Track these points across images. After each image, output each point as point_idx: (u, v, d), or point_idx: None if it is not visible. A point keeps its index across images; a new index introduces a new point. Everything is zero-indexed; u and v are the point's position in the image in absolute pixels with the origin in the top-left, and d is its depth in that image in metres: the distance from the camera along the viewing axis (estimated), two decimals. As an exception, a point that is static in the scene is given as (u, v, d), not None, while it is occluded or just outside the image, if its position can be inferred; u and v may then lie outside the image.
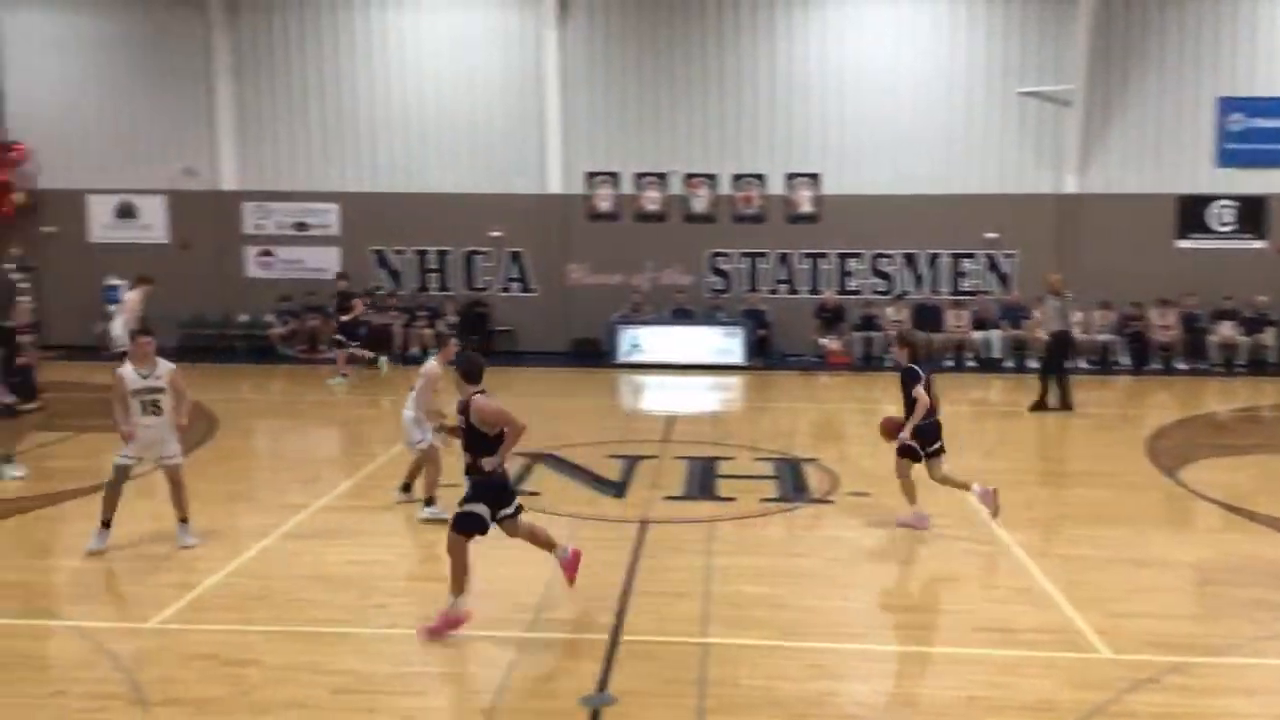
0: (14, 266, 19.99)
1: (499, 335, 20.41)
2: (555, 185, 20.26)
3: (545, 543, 7.37)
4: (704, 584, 7.85)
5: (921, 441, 8.97)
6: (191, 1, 20.02)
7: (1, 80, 20.25)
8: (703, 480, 11.04)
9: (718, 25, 19.92)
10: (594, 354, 19.88)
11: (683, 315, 19.90)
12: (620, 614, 7.20)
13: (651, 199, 20.43)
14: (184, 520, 8.79)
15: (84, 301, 19.91)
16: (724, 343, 19.23)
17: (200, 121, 20.34)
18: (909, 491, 9.18)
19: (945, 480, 9.16)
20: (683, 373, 18.69)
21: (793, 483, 10.91)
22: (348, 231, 20.54)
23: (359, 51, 20.20)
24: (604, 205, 20.48)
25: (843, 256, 20.23)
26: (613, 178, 20.36)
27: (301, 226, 20.59)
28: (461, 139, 20.24)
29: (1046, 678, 6.20)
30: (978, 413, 15.83)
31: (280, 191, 20.53)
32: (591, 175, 20.37)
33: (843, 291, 20.12)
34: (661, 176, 20.30)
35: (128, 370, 8.52)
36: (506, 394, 16.67)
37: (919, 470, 9.15)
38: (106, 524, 8.55)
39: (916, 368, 9.06)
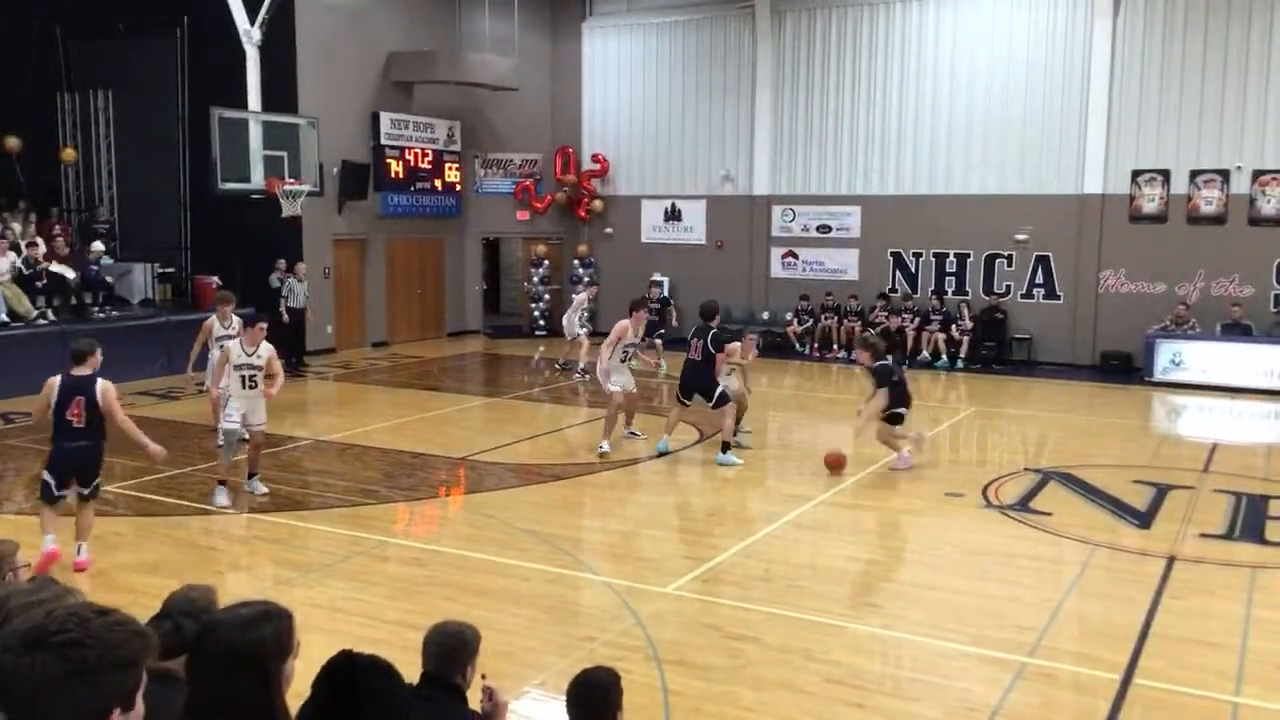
0: (579, 262, 23.00)
1: (1015, 343, 19.49)
2: (1094, 185, 18.84)
3: None
4: (1241, 636, 6.90)
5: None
6: (743, 17, 21.47)
7: (580, 97, 23.26)
8: (1250, 519, 9.68)
9: (1304, 0, 17.23)
10: (1124, 369, 18.23)
11: (1237, 331, 17.53)
12: (1135, 655, 6.58)
13: (1208, 199, 18.23)
14: (253, 475, 10.09)
15: (633, 294, 22.22)
16: (1288, 365, 16.66)
17: (740, 130, 21.77)
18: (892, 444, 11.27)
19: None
20: (1233, 396, 16.49)
21: (1370, 536, 9.18)
22: (867, 234, 20.82)
23: (894, 51, 20.33)
24: (1150, 206, 18.66)
25: None
26: (1163, 176, 18.48)
27: (824, 229, 21.25)
28: (992, 139, 19.58)
29: None
30: None
31: (806, 195, 21.35)
32: (1137, 174, 18.66)
33: None
34: (1223, 174, 18.03)
35: (235, 346, 9.92)
36: (1021, 406, 15.96)
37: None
38: (224, 483, 9.87)
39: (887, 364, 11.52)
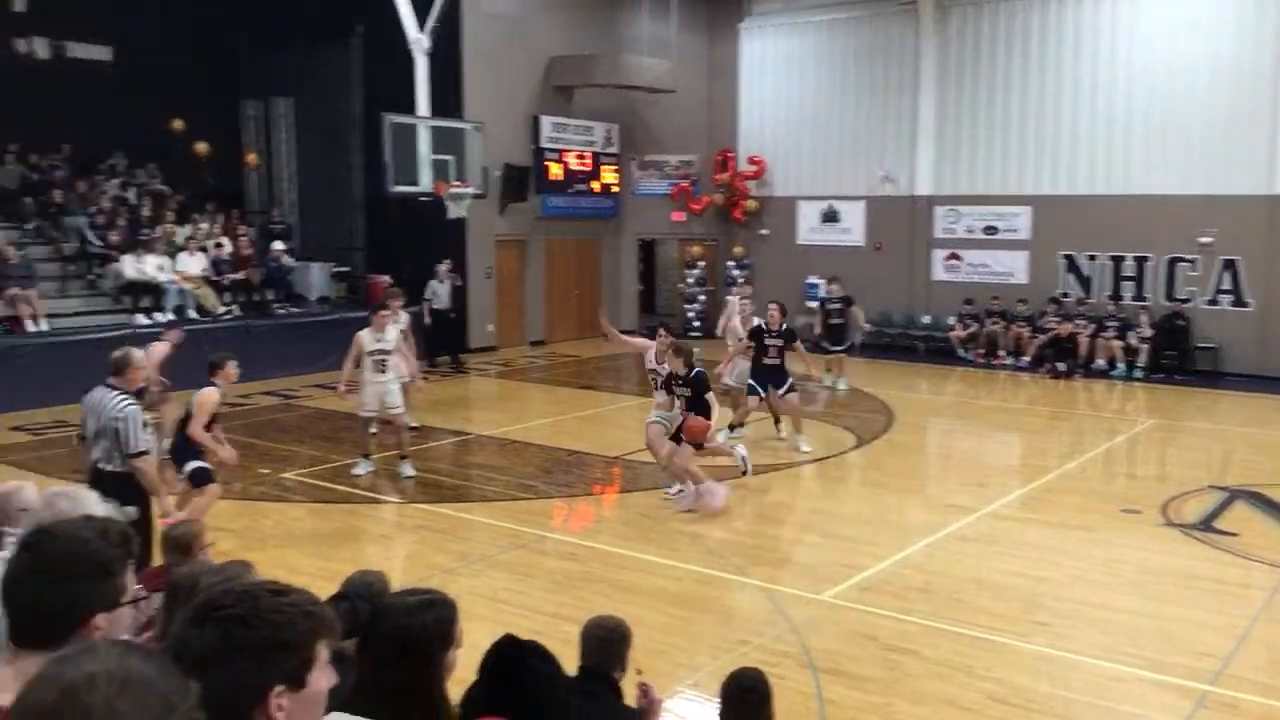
0: (734, 264, 22.92)
1: (1199, 353, 18.33)
2: (1289, 184, 17.58)
3: None
4: None
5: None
6: (906, 14, 20.97)
7: (736, 98, 23.17)
8: None
9: None
10: (1324, 382, 16.94)
11: None
12: (1335, 691, 6.08)
13: None
14: (403, 458, 10.73)
15: (788, 297, 21.99)
16: None
17: (902, 130, 21.25)
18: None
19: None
20: None
21: None
22: (1038, 235, 19.99)
23: (1066, 46, 19.45)
24: (1353, 207, 17.27)
25: None
26: (1365, 175, 17.08)
27: (991, 230, 20.52)
28: (1172, 135, 18.49)
29: None
30: None
31: (972, 195, 20.67)
32: (1339, 172, 17.29)
33: None
34: None
35: (366, 334, 10.52)
36: (1206, 420, 15.03)
37: None
38: (366, 456, 10.85)
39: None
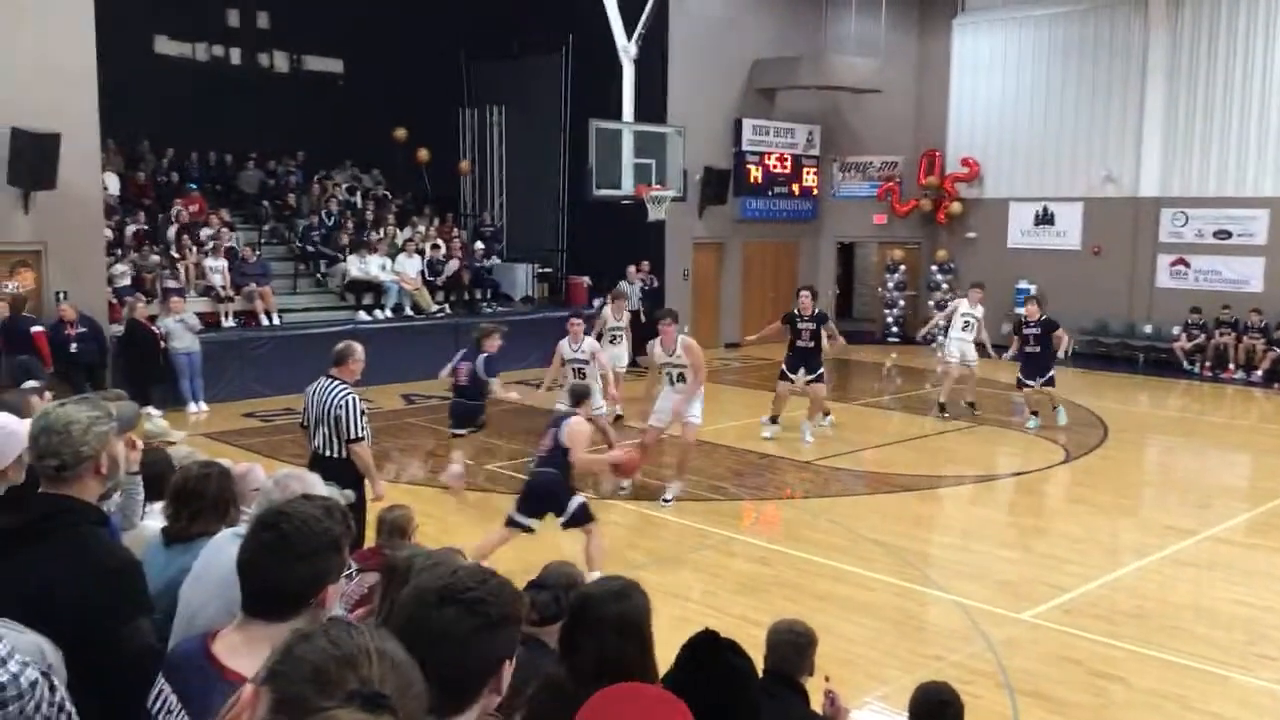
0: (938, 268, 22.24)
1: None
2: None
3: None
4: None
5: None
6: (1134, 6, 19.78)
7: (946, 97, 22.46)
8: None
9: None
10: None
11: None
12: None
13: None
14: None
15: (996, 302, 21.14)
16: None
17: (1126, 127, 20.05)
18: None
19: None
20: None
21: None
22: (1276, 241, 18.43)
23: (1313, 38, 17.89)
24: None
25: None
26: None
27: (1223, 235, 19.09)
28: None
29: None
30: None
31: (1203, 197, 19.28)
32: None
33: None
34: None
35: (564, 344, 11.04)
36: None
37: None
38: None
39: None
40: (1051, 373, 13.43)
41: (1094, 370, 18.77)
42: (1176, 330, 19.04)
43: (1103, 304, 20.02)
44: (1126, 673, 6.30)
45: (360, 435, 6.98)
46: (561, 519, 7.52)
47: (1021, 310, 14.82)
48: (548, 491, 7.49)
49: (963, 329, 14.05)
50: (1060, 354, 13.63)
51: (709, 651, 2.83)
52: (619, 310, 13.35)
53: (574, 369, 11.04)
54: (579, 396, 8.22)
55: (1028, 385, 13.59)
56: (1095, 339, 20.13)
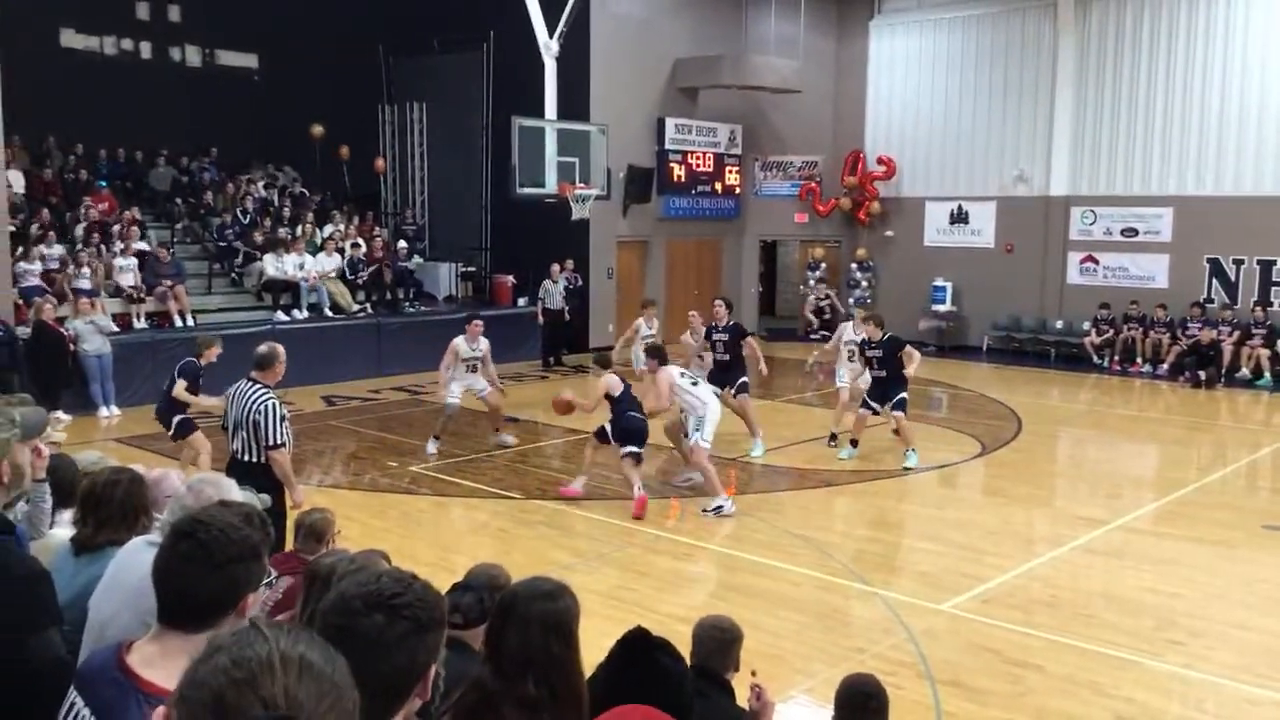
0: (857, 266, 22.60)
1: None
2: None
3: None
4: None
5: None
6: (1044, 10, 20.30)
7: (864, 97, 22.81)
8: None
9: None
10: None
11: None
12: None
13: None
14: (496, 430, 12.31)
15: (911, 300, 21.59)
16: None
17: (1037, 128, 20.58)
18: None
19: None
20: None
21: None
22: (1180, 238, 19.11)
23: (1215, 40, 18.44)
24: None
25: None
26: None
27: (1130, 232, 19.72)
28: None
29: None
30: None
31: (1110, 196, 19.90)
32: None
33: None
34: None
35: (460, 341, 11.90)
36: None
37: None
38: (437, 437, 11.94)
39: None
40: (901, 395, 11.41)
41: (1007, 365, 19.25)
42: (1086, 325, 19.63)
43: (1016, 300, 20.53)
44: (1042, 660, 6.47)
45: (280, 442, 6.84)
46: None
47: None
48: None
49: (849, 358, 12.65)
50: (909, 371, 11.51)
51: (641, 650, 2.83)
52: (650, 318, 13.63)
53: (468, 365, 12.02)
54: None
55: (870, 409, 11.62)
56: (1008, 334, 20.63)
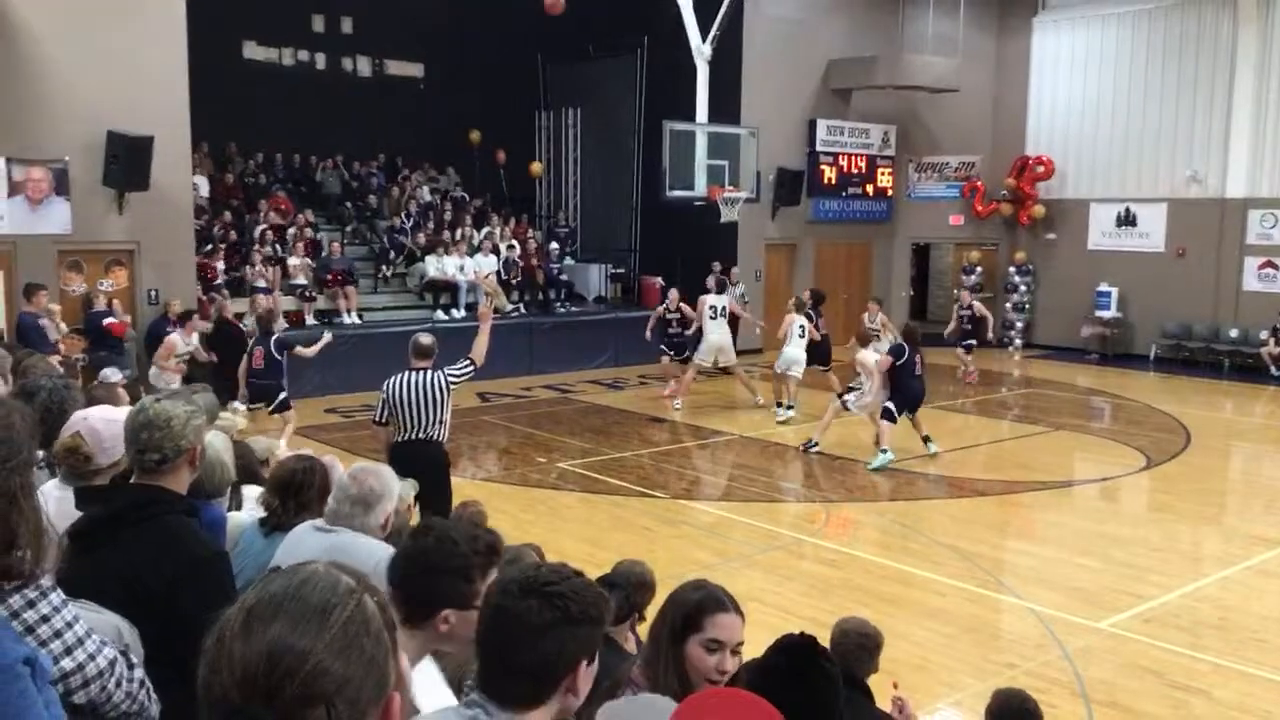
0: (1016, 270, 21.86)
1: None
2: None
3: None
4: None
5: None
6: (1222, 2, 19.20)
7: (1025, 96, 22.05)
8: None
9: None
10: None
11: None
12: None
13: None
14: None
15: (1075, 305, 20.75)
16: None
17: (1212, 126, 19.49)
18: None
19: None
20: None
21: None
22: (1374, 243, 17.77)
23: None
24: None
25: None
26: None
27: (1315, 236, 18.44)
28: None
29: None
30: None
31: (1295, 198, 18.67)
32: None
33: None
34: None
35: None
36: None
37: None
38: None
39: None
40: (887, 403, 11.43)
41: (1176, 375, 18.31)
42: (1264, 334, 18.46)
43: (1187, 307, 19.50)
44: (1208, 685, 6.16)
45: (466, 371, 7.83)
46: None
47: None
48: None
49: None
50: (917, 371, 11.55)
51: (804, 655, 2.83)
52: (874, 313, 15.58)
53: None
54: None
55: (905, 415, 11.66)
56: (1178, 343, 19.61)
